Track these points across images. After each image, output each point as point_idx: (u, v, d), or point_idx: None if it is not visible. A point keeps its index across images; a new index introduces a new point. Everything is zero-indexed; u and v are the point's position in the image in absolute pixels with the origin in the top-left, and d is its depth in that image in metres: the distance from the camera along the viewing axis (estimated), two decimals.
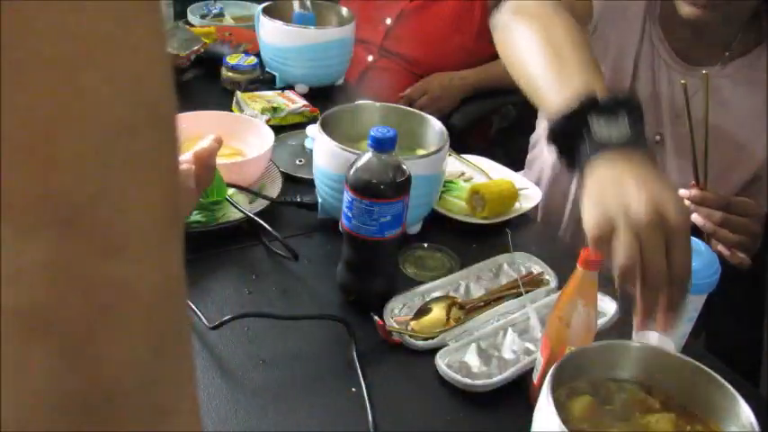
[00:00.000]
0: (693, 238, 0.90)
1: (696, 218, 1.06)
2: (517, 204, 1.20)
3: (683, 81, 1.05)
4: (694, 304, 0.88)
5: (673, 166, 1.22)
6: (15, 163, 0.21)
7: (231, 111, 1.43)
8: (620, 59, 1.23)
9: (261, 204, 1.13)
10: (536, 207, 1.22)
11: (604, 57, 1.22)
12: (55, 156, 0.22)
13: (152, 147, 0.24)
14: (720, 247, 1.08)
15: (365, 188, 0.91)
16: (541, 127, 1.17)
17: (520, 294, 1.00)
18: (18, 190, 0.22)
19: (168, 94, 0.25)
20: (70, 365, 0.24)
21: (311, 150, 1.16)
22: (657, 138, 1.23)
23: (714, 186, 1.19)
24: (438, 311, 0.95)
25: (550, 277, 1.05)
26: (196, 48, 1.55)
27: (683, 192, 1.06)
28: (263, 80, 1.56)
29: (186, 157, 0.95)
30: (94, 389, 0.24)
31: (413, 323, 0.94)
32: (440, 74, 1.91)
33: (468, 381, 0.85)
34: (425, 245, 1.11)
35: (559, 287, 1.01)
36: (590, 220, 0.75)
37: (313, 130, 1.23)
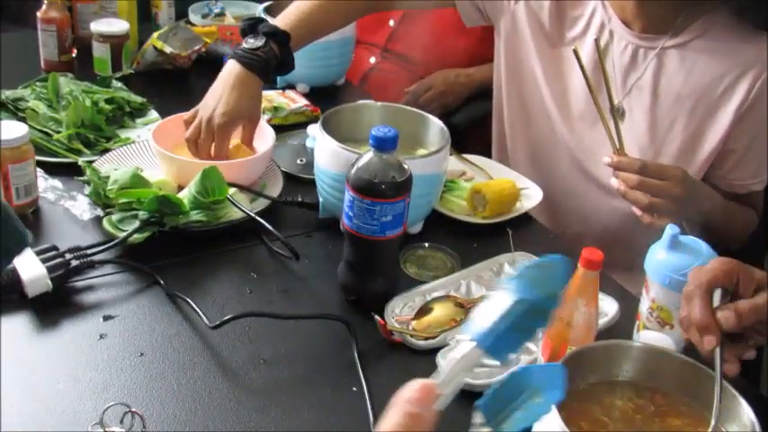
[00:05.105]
0: (694, 239, 0.90)
1: (614, 181, 1.11)
2: (518, 204, 1.20)
3: (573, 47, 1.11)
4: None
5: (630, 135, 1.22)
6: None
7: None
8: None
9: (262, 204, 1.13)
10: (537, 206, 1.22)
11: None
12: None
13: None
14: (634, 209, 1.11)
15: (366, 188, 0.91)
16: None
17: None
18: None
19: None
20: None
21: (312, 150, 1.16)
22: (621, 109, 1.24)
23: (684, 158, 1.20)
24: (439, 311, 0.96)
25: None
26: (197, 47, 1.55)
27: (605, 159, 1.11)
28: None
29: None
30: None
31: (414, 323, 0.94)
32: (445, 70, 1.90)
33: (468, 381, 0.85)
34: (426, 244, 1.11)
35: None
36: None
37: (314, 129, 1.22)
